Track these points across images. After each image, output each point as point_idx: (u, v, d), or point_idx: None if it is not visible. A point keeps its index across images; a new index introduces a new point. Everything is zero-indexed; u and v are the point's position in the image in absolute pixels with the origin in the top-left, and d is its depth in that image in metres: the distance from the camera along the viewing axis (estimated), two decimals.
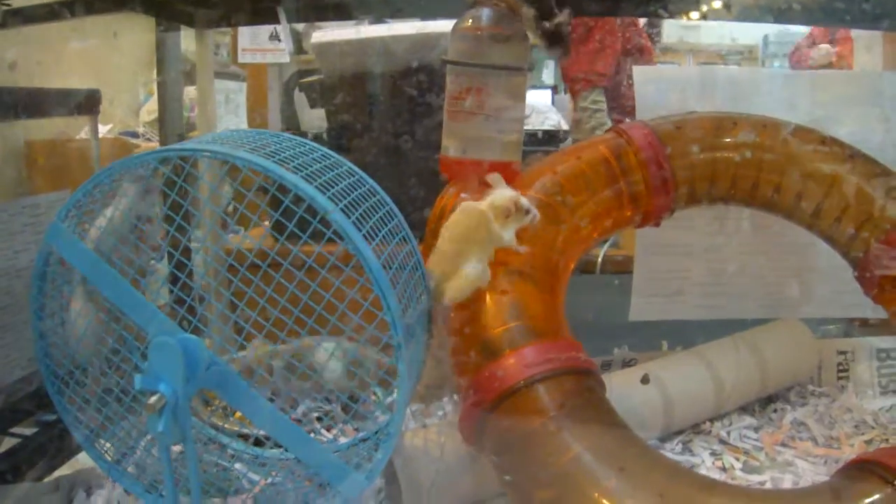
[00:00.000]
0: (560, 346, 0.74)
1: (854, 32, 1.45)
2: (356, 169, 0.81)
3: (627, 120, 0.89)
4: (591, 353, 0.99)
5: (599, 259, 1.12)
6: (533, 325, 0.74)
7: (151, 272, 0.98)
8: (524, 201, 0.74)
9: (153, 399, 0.65)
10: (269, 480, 0.83)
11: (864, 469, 0.70)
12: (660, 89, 0.98)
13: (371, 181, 0.81)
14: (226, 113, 1.72)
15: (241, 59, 1.51)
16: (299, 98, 1.35)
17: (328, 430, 0.94)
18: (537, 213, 0.75)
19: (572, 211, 0.84)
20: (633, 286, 1.03)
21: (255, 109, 1.59)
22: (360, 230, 0.68)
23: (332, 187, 0.71)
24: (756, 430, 0.95)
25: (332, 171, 0.75)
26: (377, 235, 0.72)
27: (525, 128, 0.98)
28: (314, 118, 1.32)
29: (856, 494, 0.67)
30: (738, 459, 0.88)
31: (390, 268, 0.71)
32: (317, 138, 1.32)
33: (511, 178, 0.89)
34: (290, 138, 0.80)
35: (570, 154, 0.87)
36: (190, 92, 1.88)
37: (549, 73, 2.22)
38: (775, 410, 1.00)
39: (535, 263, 0.79)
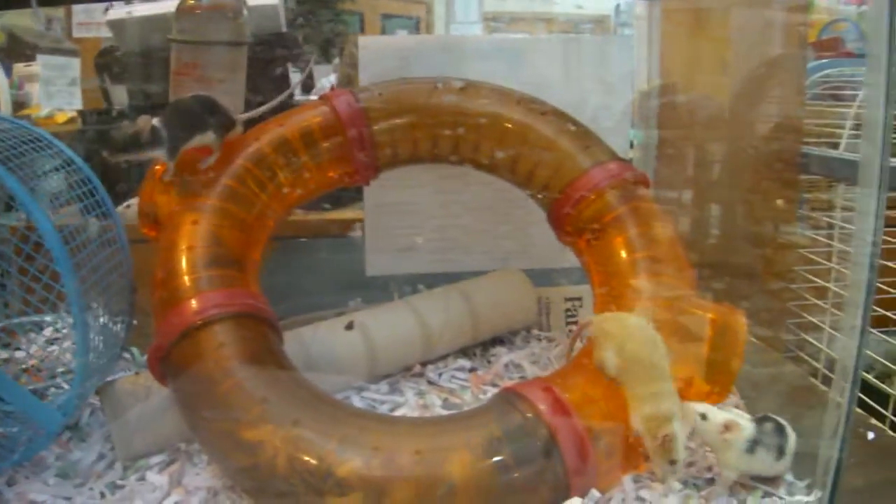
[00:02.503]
0: (240, 294, 0.81)
1: None
2: (67, 150, 0.89)
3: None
4: (330, 307, 1.08)
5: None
6: (220, 275, 0.81)
7: None
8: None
9: None
10: (3, 430, 0.90)
11: (506, 398, 0.79)
12: (383, 58, 1.04)
13: (81, 163, 0.89)
14: (59, 90, 1.77)
15: (76, 34, 1.55)
16: (105, 74, 1.40)
17: None
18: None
19: (274, 174, 0.91)
20: (366, 243, 1.11)
21: (89, 85, 1.62)
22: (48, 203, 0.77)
23: (17, 160, 0.79)
24: (469, 371, 1.02)
25: (27, 146, 0.83)
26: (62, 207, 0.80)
27: None
28: (119, 93, 1.38)
29: (492, 420, 0.75)
30: (440, 398, 0.95)
31: (75, 240, 0.79)
32: (121, 114, 1.38)
33: (229, 146, 0.97)
34: (9, 120, 0.89)
35: (275, 122, 0.94)
36: (19, 69, 1.91)
37: None
38: (494, 354, 1.07)
39: (232, 220, 0.86)
